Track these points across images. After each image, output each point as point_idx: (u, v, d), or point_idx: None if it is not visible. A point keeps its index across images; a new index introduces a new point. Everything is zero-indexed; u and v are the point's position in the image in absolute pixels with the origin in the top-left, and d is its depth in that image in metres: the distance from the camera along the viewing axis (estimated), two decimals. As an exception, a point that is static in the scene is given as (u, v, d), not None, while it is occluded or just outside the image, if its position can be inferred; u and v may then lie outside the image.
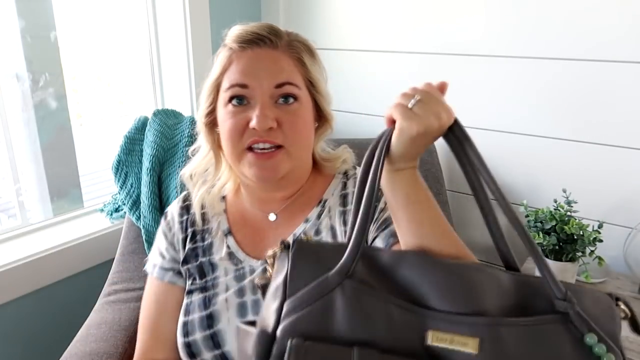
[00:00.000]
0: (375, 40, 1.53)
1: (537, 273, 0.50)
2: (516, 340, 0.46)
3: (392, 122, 0.57)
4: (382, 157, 0.55)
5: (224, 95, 0.75)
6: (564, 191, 1.20)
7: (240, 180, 0.84)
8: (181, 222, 0.86)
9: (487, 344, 0.46)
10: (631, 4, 1.15)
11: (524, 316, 0.48)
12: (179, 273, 0.83)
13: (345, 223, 0.78)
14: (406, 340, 0.47)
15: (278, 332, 0.48)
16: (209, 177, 0.84)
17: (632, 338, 0.98)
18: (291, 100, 0.74)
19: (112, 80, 2.66)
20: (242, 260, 0.80)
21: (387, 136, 0.57)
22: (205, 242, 0.83)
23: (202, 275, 0.81)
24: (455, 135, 0.56)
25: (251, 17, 1.69)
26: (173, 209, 0.88)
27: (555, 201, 1.20)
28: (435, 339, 0.47)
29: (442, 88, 0.59)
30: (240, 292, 0.78)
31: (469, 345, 0.46)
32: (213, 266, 0.81)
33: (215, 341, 0.76)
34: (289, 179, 0.79)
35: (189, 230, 0.85)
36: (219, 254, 0.81)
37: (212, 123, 0.79)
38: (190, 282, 0.81)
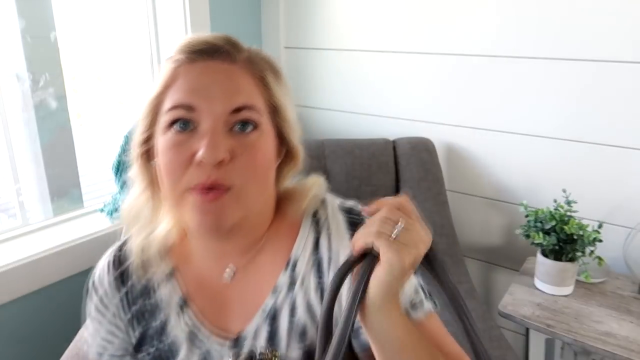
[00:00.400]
0: (375, 41, 1.53)
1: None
2: None
3: (364, 251, 0.50)
4: (356, 306, 0.48)
5: (164, 118, 0.58)
6: (564, 191, 1.20)
7: (185, 225, 0.67)
8: (121, 300, 0.69)
9: None
10: (632, 5, 1.16)
11: None
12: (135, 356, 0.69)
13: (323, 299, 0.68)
14: None
15: None
16: (146, 220, 0.67)
17: (632, 338, 0.98)
18: (249, 127, 0.58)
19: (112, 81, 2.66)
20: (206, 340, 0.66)
21: (364, 274, 0.48)
22: (158, 321, 0.67)
23: None
24: (430, 259, 0.52)
25: (251, 17, 1.69)
26: (103, 281, 0.70)
27: (555, 201, 1.20)
28: None
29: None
30: None
31: None
32: (172, 352, 0.66)
33: None
34: (243, 227, 0.63)
35: (134, 308, 0.68)
36: (177, 333, 0.67)
37: (148, 153, 0.63)
38: None
